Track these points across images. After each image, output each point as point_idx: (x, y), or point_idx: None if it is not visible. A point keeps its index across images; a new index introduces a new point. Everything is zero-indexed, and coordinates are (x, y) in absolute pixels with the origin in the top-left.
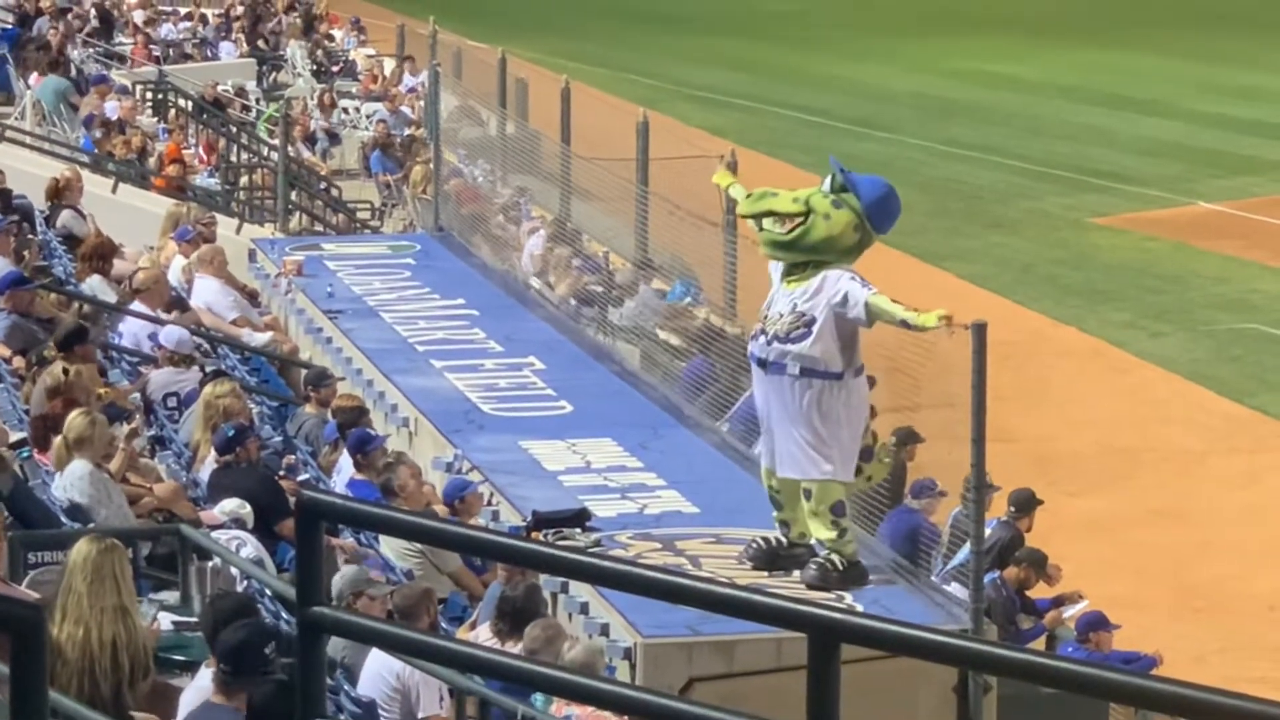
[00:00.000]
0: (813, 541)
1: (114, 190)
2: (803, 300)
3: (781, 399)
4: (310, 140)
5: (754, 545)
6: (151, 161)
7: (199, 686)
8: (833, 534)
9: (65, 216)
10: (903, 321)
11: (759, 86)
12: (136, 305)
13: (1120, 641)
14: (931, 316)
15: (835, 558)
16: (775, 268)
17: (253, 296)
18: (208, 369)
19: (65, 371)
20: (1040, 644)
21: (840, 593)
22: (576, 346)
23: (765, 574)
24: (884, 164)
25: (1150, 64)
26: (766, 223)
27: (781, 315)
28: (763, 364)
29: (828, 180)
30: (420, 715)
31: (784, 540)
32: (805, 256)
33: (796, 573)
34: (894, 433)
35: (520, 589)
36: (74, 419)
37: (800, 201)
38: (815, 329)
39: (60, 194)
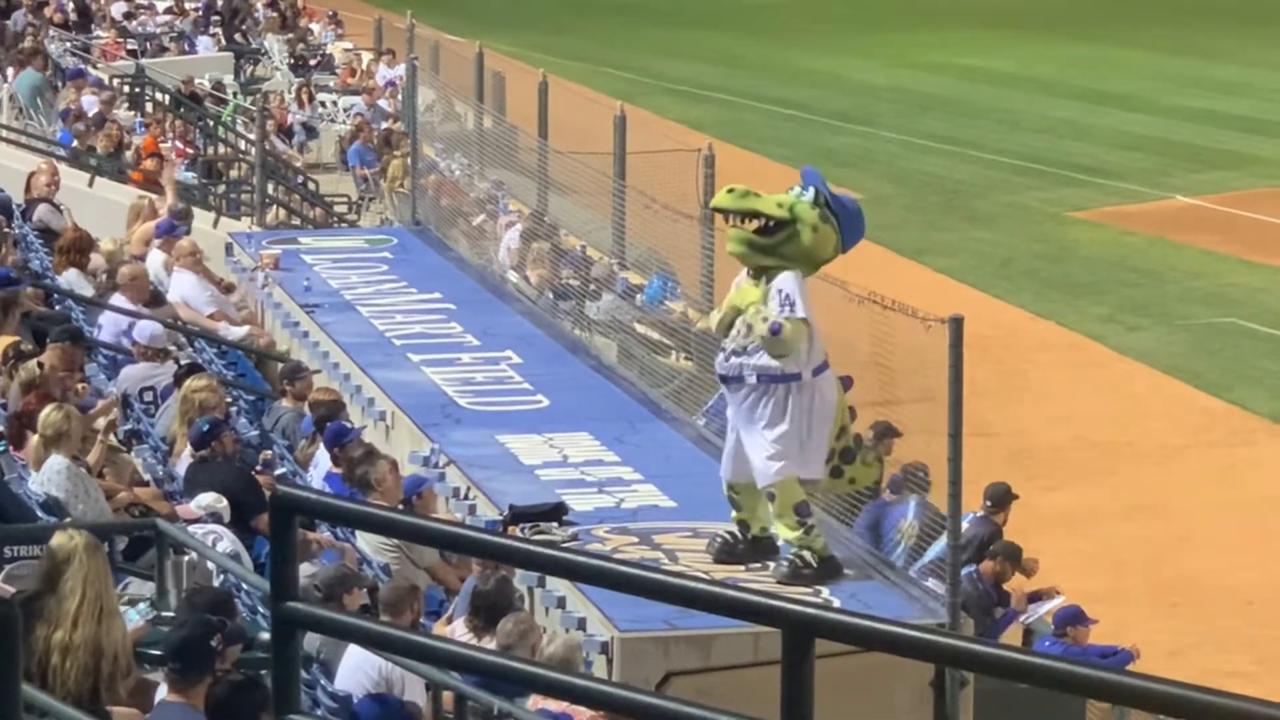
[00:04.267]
0: (780, 543)
1: (90, 184)
2: (752, 313)
3: (744, 409)
4: (287, 134)
5: (717, 540)
6: (129, 155)
7: None
8: (798, 533)
9: (41, 210)
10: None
11: (737, 80)
12: (117, 299)
13: (1097, 636)
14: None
15: (806, 554)
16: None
17: (229, 290)
18: (182, 362)
19: (40, 366)
20: (1018, 637)
21: (818, 586)
22: (553, 340)
23: (742, 568)
24: (862, 158)
25: (1128, 58)
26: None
27: (737, 330)
28: (725, 380)
29: (809, 192)
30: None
31: (744, 536)
32: (774, 261)
33: (772, 564)
34: (871, 427)
35: (491, 582)
36: (48, 414)
37: (785, 207)
38: None
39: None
